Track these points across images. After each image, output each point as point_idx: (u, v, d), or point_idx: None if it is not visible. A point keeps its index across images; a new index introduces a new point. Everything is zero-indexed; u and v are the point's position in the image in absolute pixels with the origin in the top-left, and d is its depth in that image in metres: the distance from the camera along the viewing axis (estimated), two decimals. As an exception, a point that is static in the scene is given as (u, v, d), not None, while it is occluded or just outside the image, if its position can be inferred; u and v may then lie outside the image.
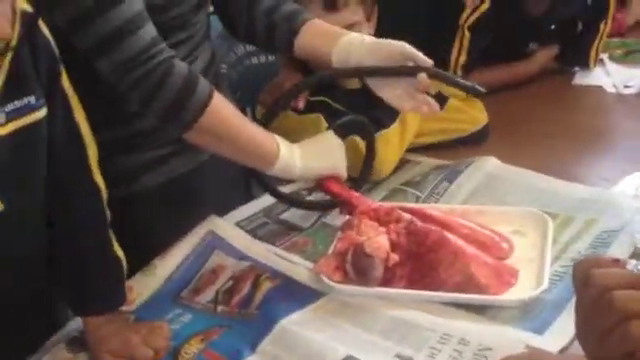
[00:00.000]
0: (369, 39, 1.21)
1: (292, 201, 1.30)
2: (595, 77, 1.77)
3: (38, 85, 0.90)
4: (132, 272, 1.11)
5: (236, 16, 1.30)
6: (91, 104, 0.99)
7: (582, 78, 1.76)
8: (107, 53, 1.04)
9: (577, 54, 1.77)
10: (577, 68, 1.78)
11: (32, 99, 0.89)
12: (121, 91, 1.07)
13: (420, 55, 1.17)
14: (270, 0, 1.27)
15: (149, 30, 1.06)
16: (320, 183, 1.23)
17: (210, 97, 1.08)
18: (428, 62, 1.17)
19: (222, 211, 1.29)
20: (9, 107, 0.86)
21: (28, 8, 0.89)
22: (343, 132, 1.27)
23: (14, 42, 0.83)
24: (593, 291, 0.53)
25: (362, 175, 1.32)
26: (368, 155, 1.32)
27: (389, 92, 1.21)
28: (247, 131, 1.14)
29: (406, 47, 1.17)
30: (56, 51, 0.94)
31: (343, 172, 1.23)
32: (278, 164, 1.15)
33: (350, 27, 1.37)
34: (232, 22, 1.32)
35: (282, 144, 1.17)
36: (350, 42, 1.21)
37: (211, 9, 1.33)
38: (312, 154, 1.20)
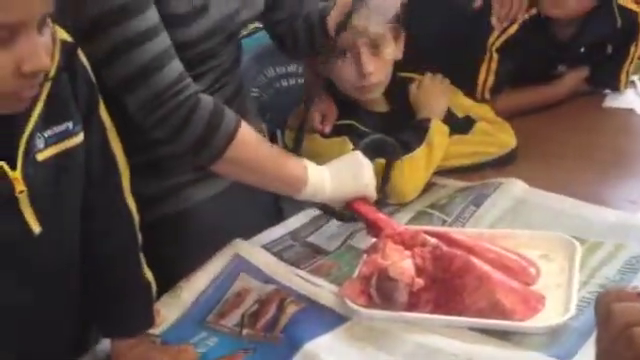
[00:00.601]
0: None
1: (333, 213, 1.29)
2: (626, 99, 1.74)
3: (76, 111, 0.92)
4: (158, 295, 1.12)
5: (283, 35, 1.35)
6: (118, 130, 1.01)
7: (612, 100, 1.74)
8: (133, 91, 1.06)
9: (607, 77, 1.75)
10: (607, 91, 1.76)
11: (70, 125, 0.91)
12: (147, 128, 1.08)
13: None
14: (307, 8, 1.31)
15: (175, 66, 1.07)
16: (348, 204, 1.23)
17: (236, 130, 1.09)
18: None
19: (250, 234, 1.30)
20: (48, 132, 0.89)
21: (67, 38, 0.91)
22: (369, 154, 1.28)
23: (52, 73, 0.86)
24: (613, 327, 0.52)
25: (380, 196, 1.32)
26: (385, 175, 1.33)
27: None
28: (274, 160, 1.15)
29: None
30: (93, 79, 0.97)
31: (372, 193, 1.23)
32: (307, 190, 1.17)
33: (374, 40, 1.39)
34: (280, 40, 1.37)
35: (311, 169, 1.17)
36: None
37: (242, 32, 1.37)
38: (341, 176, 1.20)
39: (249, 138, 1.12)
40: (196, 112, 1.07)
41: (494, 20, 1.60)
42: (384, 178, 1.33)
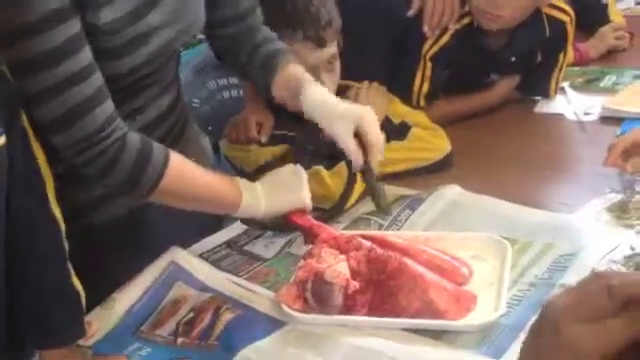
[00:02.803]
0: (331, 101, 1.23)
1: (264, 226, 1.29)
2: (556, 105, 1.80)
3: None
4: (91, 307, 1.10)
5: (224, 50, 1.36)
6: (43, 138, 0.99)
7: (543, 106, 1.79)
8: (62, 131, 1.03)
9: (537, 84, 1.80)
10: (538, 97, 1.82)
11: None
12: (74, 165, 1.07)
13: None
14: (253, 40, 1.31)
15: (106, 108, 1.05)
16: (285, 216, 1.24)
17: (165, 164, 1.09)
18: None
19: (187, 242, 1.28)
20: None
21: None
22: (308, 163, 1.29)
23: None
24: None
25: (339, 204, 1.33)
26: (349, 183, 1.34)
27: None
28: (207, 185, 1.16)
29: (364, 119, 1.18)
30: (14, 86, 0.95)
31: (308, 204, 1.24)
32: (242, 208, 1.18)
33: (332, 59, 1.45)
34: (221, 53, 1.38)
35: (244, 187, 1.18)
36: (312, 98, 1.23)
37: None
38: (275, 191, 1.21)
39: (182, 169, 1.13)
40: (124, 152, 1.07)
41: (425, 28, 1.64)
42: (347, 186, 1.35)
